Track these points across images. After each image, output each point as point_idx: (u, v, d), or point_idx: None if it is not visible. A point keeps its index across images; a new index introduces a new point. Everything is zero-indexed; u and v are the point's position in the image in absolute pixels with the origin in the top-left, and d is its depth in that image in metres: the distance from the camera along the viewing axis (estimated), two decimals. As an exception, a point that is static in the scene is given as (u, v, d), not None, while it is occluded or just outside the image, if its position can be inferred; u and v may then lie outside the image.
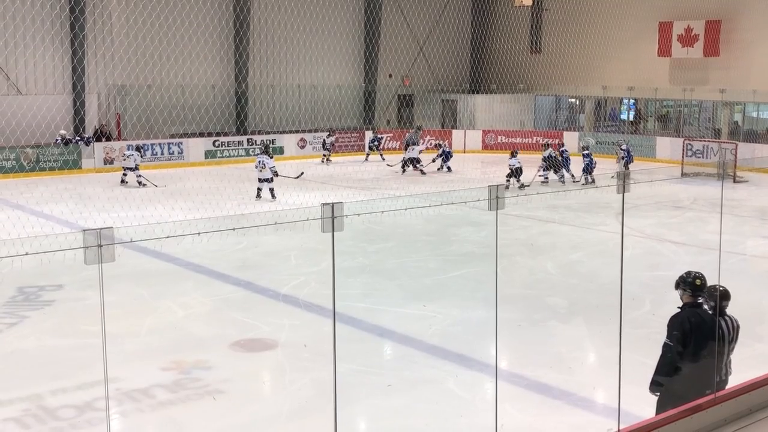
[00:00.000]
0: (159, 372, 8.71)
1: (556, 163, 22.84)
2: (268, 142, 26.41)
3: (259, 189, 20.29)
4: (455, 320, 10.72)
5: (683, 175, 23.71)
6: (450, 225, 16.76)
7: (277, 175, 20.21)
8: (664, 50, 29.98)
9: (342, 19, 31.93)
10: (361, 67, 33.74)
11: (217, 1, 29.05)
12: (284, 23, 29.89)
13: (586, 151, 22.93)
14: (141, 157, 23.42)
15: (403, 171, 25.73)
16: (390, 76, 34.24)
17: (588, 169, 22.47)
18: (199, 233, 4.62)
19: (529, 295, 11.66)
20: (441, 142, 27.17)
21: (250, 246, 14.59)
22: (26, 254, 4.18)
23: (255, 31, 30.03)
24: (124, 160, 23.23)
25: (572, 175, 23.07)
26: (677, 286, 6.57)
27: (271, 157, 20.55)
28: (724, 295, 6.45)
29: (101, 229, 3.73)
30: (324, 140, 28.58)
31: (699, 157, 25.51)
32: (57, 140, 25.29)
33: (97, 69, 27.21)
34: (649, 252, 14.67)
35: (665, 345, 6.26)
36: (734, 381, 6.62)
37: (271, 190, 20.01)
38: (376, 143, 28.87)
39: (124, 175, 22.73)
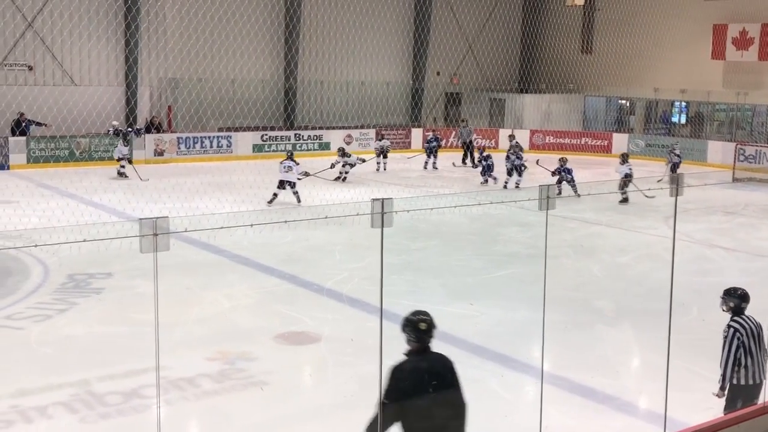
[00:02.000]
0: (204, 362, 8.82)
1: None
2: (291, 148, 25.37)
3: (275, 194, 18.56)
4: (498, 320, 10.67)
5: (735, 180, 23.31)
6: (496, 224, 16.69)
7: (307, 174, 19.57)
8: (718, 53, 29.47)
9: (392, 16, 31.94)
10: (409, 64, 33.72)
11: (269, -4, 29.26)
12: (334, 19, 30.00)
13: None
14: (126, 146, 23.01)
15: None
16: (438, 73, 34.16)
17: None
18: (252, 225, 4.67)
19: (575, 297, 11.56)
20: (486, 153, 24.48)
21: (297, 240, 14.69)
22: (84, 241, 4.25)
23: (305, 26, 30.19)
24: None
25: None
26: (403, 329, 5.59)
27: (297, 163, 18.90)
28: (744, 297, 6.69)
29: (157, 218, 3.80)
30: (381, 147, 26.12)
31: (751, 162, 25.02)
32: (109, 131, 25.70)
33: (149, 61, 27.63)
34: (699, 257, 14.44)
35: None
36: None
37: (296, 193, 18.47)
38: (435, 144, 27.32)
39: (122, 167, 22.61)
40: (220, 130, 28.03)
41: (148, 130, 26.57)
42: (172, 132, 27.33)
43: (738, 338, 6.61)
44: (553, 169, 20.71)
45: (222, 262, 13.28)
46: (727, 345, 6.67)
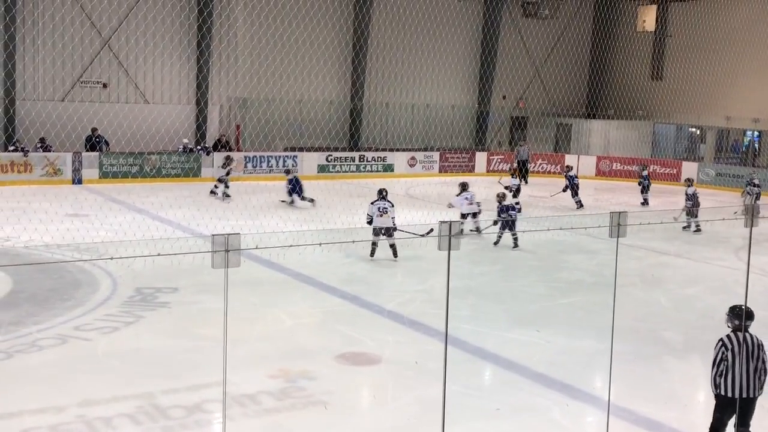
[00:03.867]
0: (266, 379, 8.87)
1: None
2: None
3: (374, 245, 15.36)
4: (562, 349, 10.49)
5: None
6: (560, 251, 16.47)
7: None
8: (794, 81, 28.76)
9: (459, 39, 32.02)
10: (475, 87, 33.69)
11: (338, 19, 29.61)
12: (401, 42, 30.21)
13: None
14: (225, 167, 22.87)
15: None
16: (504, 97, 34.05)
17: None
18: (320, 244, 4.69)
19: (641, 327, 11.31)
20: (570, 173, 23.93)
21: (359, 260, 14.71)
22: (158, 255, 4.33)
23: (372, 49, 30.45)
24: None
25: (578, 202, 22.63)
26: None
27: (392, 204, 15.50)
28: (749, 315, 7.04)
29: (229, 234, 3.84)
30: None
31: (827, 194, 24.24)
32: (179, 148, 26.26)
33: (220, 82, 28.20)
34: (771, 291, 14.00)
35: None
36: None
37: (393, 246, 14.88)
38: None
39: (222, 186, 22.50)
40: (287, 149, 28.37)
41: (216, 149, 27.05)
42: (239, 151, 27.77)
43: (722, 352, 6.94)
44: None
45: (286, 280, 13.38)
46: (713, 356, 7.05)
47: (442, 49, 31.37)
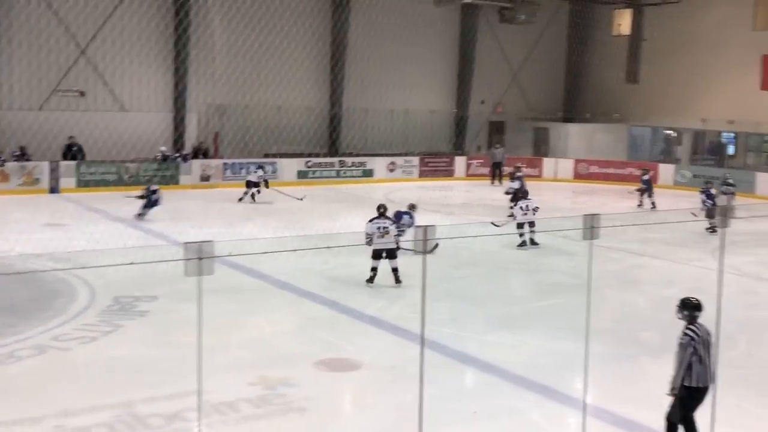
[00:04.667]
0: (245, 386, 8.86)
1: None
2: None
3: (374, 271, 13.96)
4: (541, 351, 10.56)
5: (784, 212, 22.83)
6: (539, 254, 16.56)
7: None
8: (768, 84, 29.07)
9: (437, 45, 32.13)
10: (453, 92, 33.82)
11: (316, 26, 29.62)
12: (380, 48, 30.23)
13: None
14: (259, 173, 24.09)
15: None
16: (482, 102, 34.19)
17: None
18: (294, 250, 4.70)
19: (619, 329, 11.41)
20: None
21: (339, 266, 14.72)
22: (131, 264, 4.33)
23: (351, 55, 30.47)
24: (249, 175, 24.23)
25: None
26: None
27: (394, 221, 14.92)
28: (697, 307, 7.27)
29: (202, 242, 3.85)
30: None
31: (802, 195, 24.55)
32: (157, 156, 26.15)
33: (197, 88, 28.08)
34: (746, 291, 14.16)
35: None
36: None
37: (395, 270, 13.64)
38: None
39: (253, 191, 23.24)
40: (265, 156, 28.33)
41: (194, 156, 26.96)
42: (218, 158, 27.70)
43: (693, 345, 7.08)
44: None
45: (265, 287, 13.37)
46: (682, 350, 7.13)
47: (420, 54, 31.45)
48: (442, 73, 33.30)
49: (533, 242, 17.24)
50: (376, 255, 13.36)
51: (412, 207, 16.45)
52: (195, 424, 7.78)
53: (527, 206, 17.53)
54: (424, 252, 4.40)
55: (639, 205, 23.97)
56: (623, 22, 34.84)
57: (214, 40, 27.86)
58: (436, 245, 13.46)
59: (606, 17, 34.82)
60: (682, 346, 7.12)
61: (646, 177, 24.46)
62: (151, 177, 23.51)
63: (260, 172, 24.03)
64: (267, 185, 23.54)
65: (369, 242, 13.26)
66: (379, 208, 13.90)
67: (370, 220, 13.70)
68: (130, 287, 12.52)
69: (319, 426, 8.18)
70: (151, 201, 19.27)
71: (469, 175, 31.09)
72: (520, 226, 17.17)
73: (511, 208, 19.23)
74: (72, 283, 12.94)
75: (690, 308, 7.25)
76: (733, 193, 22.74)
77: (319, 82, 30.47)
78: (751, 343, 11.10)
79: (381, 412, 8.47)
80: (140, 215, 19.10)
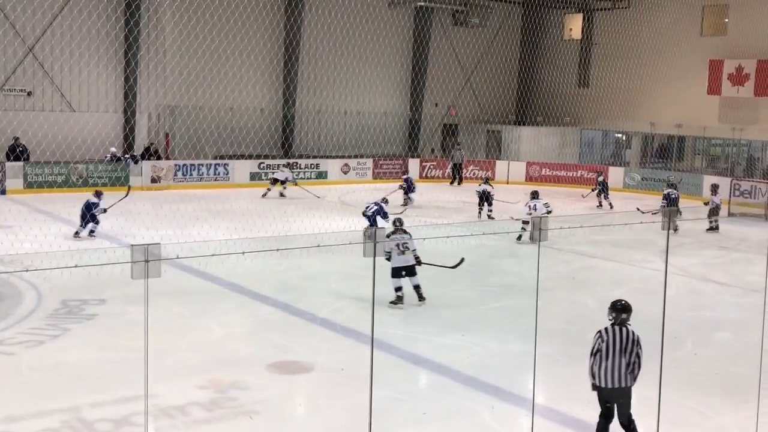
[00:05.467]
0: (196, 390, 8.78)
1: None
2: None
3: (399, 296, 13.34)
4: (493, 352, 10.64)
5: (730, 214, 23.33)
6: (491, 256, 16.69)
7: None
8: (714, 88, 29.67)
9: (390, 47, 32.18)
10: (407, 95, 33.94)
11: (268, 27, 29.47)
12: (333, 49, 30.23)
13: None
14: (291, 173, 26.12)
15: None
16: (436, 105, 34.37)
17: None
18: (243, 252, 4.68)
19: (569, 329, 11.54)
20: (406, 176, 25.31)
21: (291, 268, 14.66)
22: (75, 266, 4.26)
23: (304, 56, 30.41)
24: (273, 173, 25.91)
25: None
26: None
27: (410, 235, 13.35)
28: (626, 309, 7.41)
29: (149, 244, 3.80)
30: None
31: (747, 198, 25.08)
32: (107, 157, 25.78)
33: (148, 89, 27.78)
34: (693, 292, 14.44)
35: None
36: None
37: (418, 288, 12.86)
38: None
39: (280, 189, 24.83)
40: (217, 157, 28.11)
41: (145, 157, 26.64)
42: (169, 159, 27.40)
43: (598, 343, 7.27)
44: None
45: (216, 289, 13.25)
46: (591, 348, 7.35)
47: (374, 56, 31.50)
48: (396, 75, 33.39)
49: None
50: (397, 273, 12.53)
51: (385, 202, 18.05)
52: (143, 428, 7.68)
53: (535, 206, 18.32)
54: (374, 255, 4.39)
55: (599, 206, 24.79)
56: (574, 26, 35.36)
57: (165, 39, 27.57)
58: (462, 260, 13.82)
59: (557, 22, 35.26)
60: (591, 343, 7.34)
61: (601, 178, 25.29)
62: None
63: (287, 172, 25.54)
64: (295, 183, 25.21)
65: (388, 258, 12.54)
66: (395, 222, 13.27)
67: (388, 236, 12.27)
68: (78, 290, 12.32)
69: (271, 429, 8.13)
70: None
71: (423, 178, 31.21)
72: (525, 222, 17.74)
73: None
74: (18, 286, 12.69)
75: (616, 310, 7.40)
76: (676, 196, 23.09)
77: (272, 83, 30.34)
78: (696, 343, 11.33)
79: (333, 414, 8.45)
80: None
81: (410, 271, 12.64)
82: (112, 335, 10.71)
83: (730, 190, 25.49)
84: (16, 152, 24.38)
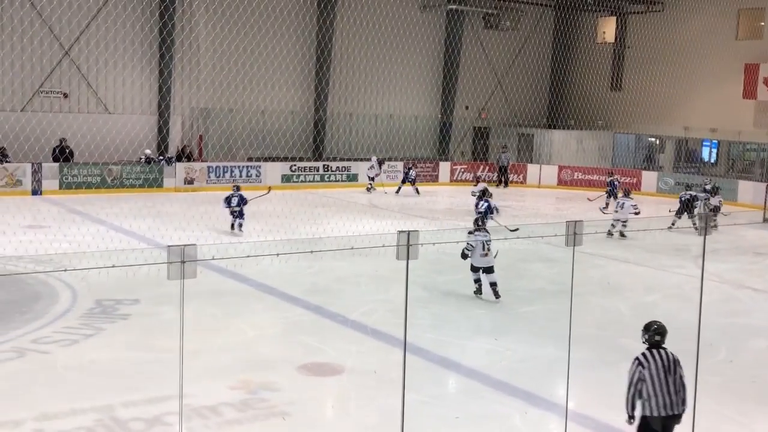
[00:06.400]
0: (227, 390, 8.83)
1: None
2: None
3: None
4: (524, 356, 10.59)
5: (765, 220, 23.02)
6: (521, 260, 16.60)
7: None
8: (750, 92, 29.30)
9: (422, 51, 32.19)
10: (438, 98, 33.90)
11: (301, 30, 29.63)
12: (365, 53, 30.29)
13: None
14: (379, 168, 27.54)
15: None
16: (467, 108, 34.30)
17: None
18: (278, 254, 4.70)
19: (601, 335, 11.45)
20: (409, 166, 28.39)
21: (322, 270, 14.70)
22: (113, 266, 4.31)
23: (336, 59, 30.51)
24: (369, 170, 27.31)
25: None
26: None
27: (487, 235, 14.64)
28: (657, 331, 6.96)
29: (185, 245, 3.83)
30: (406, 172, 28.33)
31: (783, 203, 24.71)
32: (141, 159, 26.06)
33: (182, 91, 28.04)
34: (727, 298, 14.26)
35: None
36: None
37: (494, 285, 13.29)
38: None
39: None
40: (250, 159, 28.29)
41: (179, 159, 26.88)
42: (202, 161, 27.63)
43: (639, 372, 6.79)
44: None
45: (248, 291, 13.33)
46: (628, 377, 6.85)
47: (405, 59, 31.53)
48: (427, 78, 33.37)
49: (622, 235, 19.33)
50: (476, 270, 13.19)
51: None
52: (176, 428, 7.75)
53: (623, 204, 19.43)
54: (407, 258, 4.39)
55: (605, 207, 23.92)
56: (607, 29, 35.09)
57: (198, 42, 27.82)
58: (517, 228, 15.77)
59: (590, 25, 35.03)
60: (630, 373, 6.85)
61: (611, 179, 25.48)
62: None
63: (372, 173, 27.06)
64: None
65: (465, 256, 13.12)
66: (476, 221, 13.93)
67: (470, 232, 13.37)
68: (112, 290, 12.45)
69: (301, 430, 8.15)
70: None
71: (453, 181, 31.16)
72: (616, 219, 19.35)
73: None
74: (53, 286, 12.86)
75: (650, 332, 6.97)
76: (709, 200, 22.79)
77: (303, 86, 30.48)
78: (731, 350, 11.17)
79: (363, 417, 8.45)
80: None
81: (489, 270, 13.11)
82: (145, 335, 10.82)
83: (766, 195, 25.14)
84: (64, 154, 24.65)
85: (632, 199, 19.69)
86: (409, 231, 4.40)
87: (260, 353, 10.38)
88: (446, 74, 33.43)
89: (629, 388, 6.81)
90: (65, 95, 26.33)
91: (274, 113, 29.06)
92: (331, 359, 10.15)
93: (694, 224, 19.70)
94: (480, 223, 13.79)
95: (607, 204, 24.21)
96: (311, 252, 5.30)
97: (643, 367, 6.79)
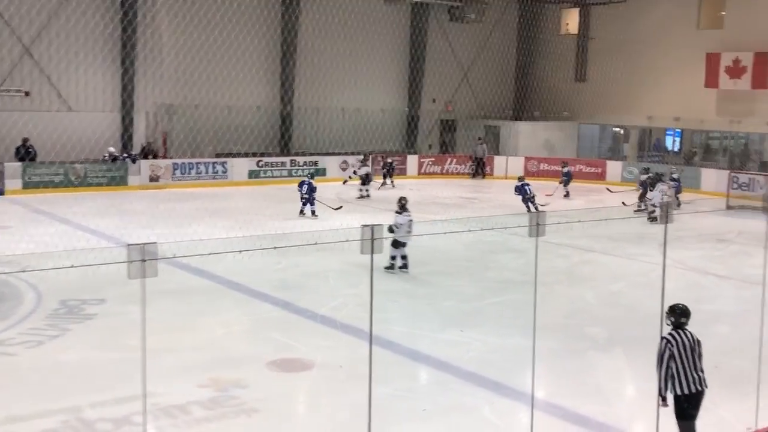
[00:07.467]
0: (196, 389, 8.78)
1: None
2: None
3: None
4: (492, 347, 10.66)
5: (728, 207, 23.36)
6: (489, 251, 16.70)
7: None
8: (712, 81, 29.66)
9: (387, 44, 32.17)
10: (405, 91, 33.92)
11: (265, 24, 29.40)
12: (330, 47, 30.20)
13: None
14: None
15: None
16: (434, 101, 34.35)
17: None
18: (240, 251, 4.69)
19: (568, 324, 11.56)
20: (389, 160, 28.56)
21: (290, 266, 14.67)
22: (71, 267, 4.26)
23: (301, 53, 30.37)
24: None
25: None
26: None
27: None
28: (683, 313, 7.13)
29: (145, 244, 3.81)
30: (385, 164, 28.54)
31: (745, 190, 25.10)
32: (105, 157, 25.77)
33: (146, 88, 27.72)
34: (692, 285, 14.45)
35: None
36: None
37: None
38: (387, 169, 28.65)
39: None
40: (216, 156, 28.10)
41: (143, 156, 26.63)
42: (167, 158, 27.38)
43: (669, 350, 6.96)
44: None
45: (216, 288, 13.26)
46: (659, 357, 7.02)
47: (371, 53, 31.49)
48: (393, 71, 33.36)
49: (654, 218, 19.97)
50: (398, 244, 14.33)
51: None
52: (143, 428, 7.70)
53: (663, 190, 20.51)
54: (372, 252, 4.40)
55: (549, 195, 24.87)
56: (571, 21, 35.33)
57: (162, 38, 27.52)
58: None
59: (554, 16, 35.23)
60: (659, 353, 7.04)
61: (566, 169, 26.02)
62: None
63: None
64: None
65: (392, 231, 13.98)
66: (401, 200, 15.18)
67: (399, 213, 14.78)
68: (77, 290, 12.32)
69: (271, 427, 8.14)
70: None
71: (421, 174, 31.23)
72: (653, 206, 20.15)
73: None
74: (18, 287, 12.70)
75: (675, 314, 7.14)
76: (678, 187, 23.19)
77: (269, 81, 30.31)
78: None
79: (333, 412, 8.46)
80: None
81: (404, 245, 14.49)
82: (112, 335, 10.72)
83: (728, 182, 25.53)
84: (25, 153, 24.27)
85: (665, 183, 21.28)
86: (373, 225, 4.41)
87: (229, 351, 10.34)
88: (412, 67, 33.46)
89: (660, 367, 6.99)
90: (26, 93, 25.87)
91: (239, 109, 28.87)
92: (301, 355, 10.14)
93: (645, 208, 20.51)
94: (404, 202, 14.98)
95: (560, 193, 24.92)
96: (275, 248, 5.28)
97: (672, 345, 6.98)
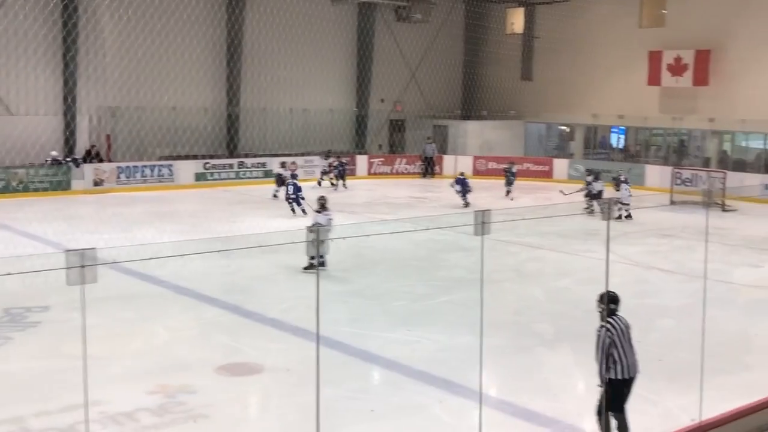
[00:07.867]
0: (144, 395, 8.65)
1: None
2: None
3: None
4: (442, 346, 10.69)
5: (672, 203, 23.82)
6: (439, 250, 16.76)
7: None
8: (654, 79, 30.20)
9: (334, 44, 32.10)
10: (353, 91, 33.88)
11: (210, 23, 29.13)
12: (277, 47, 30.01)
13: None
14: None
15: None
16: (382, 100, 34.37)
17: None
18: (182, 255, 4.62)
19: (517, 321, 11.66)
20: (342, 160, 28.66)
21: (239, 269, 14.54)
22: (8, 274, 4.15)
23: (247, 54, 30.12)
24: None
25: None
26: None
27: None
28: (614, 300, 7.35)
29: (84, 249, 3.73)
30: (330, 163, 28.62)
31: (688, 186, 25.63)
32: (47, 161, 25.26)
33: (88, 90, 27.19)
34: (637, 279, 14.69)
35: None
36: (723, 409, 6.80)
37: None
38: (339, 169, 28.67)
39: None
40: (162, 158, 27.73)
41: (87, 160, 26.16)
42: (111, 161, 26.93)
43: (609, 337, 7.12)
44: None
45: (163, 293, 13.08)
46: (599, 344, 7.17)
47: (318, 53, 31.39)
48: (341, 71, 33.30)
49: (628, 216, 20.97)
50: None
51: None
52: (90, 437, 7.55)
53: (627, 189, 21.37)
54: (316, 255, 4.37)
55: (507, 194, 25.57)
56: (516, 20, 35.65)
57: (104, 39, 27.05)
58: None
59: (499, 16, 35.51)
60: (599, 339, 7.16)
61: (514, 169, 26.28)
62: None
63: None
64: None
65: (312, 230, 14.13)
66: (320, 199, 15.32)
67: (318, 212, 14.84)
68: (21, 298, 12.04)
69: (221, 432, 8.06)
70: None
71: (371, 174, 31.23)
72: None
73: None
74: (-43, 296, 12.36)
75: (606, 302, 7.28)
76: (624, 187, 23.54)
77: (215, 82, 30.00)
78: (640, 330, 11.44)
79: (283, 415, 8.41)
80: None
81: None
82: (57, 343, 10.50)
83: (672, 178, 26.04)
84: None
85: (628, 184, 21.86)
86: (318, 226, 4.37)
87: (177, 356, 10.21)
88: (360, 67, 33.45)
89: (600, 355, 7.12)
90: (-36, 97, 25.27)
91: (185, 110, 28.51)
92: (250, 359, 10.06)
93: (589, 207, 20.97)
94: (323, 202, 15.21)
95: (508, 192, 25.31)
96: (218, 251, 5.22)
97: (612, 333, 7.12)
